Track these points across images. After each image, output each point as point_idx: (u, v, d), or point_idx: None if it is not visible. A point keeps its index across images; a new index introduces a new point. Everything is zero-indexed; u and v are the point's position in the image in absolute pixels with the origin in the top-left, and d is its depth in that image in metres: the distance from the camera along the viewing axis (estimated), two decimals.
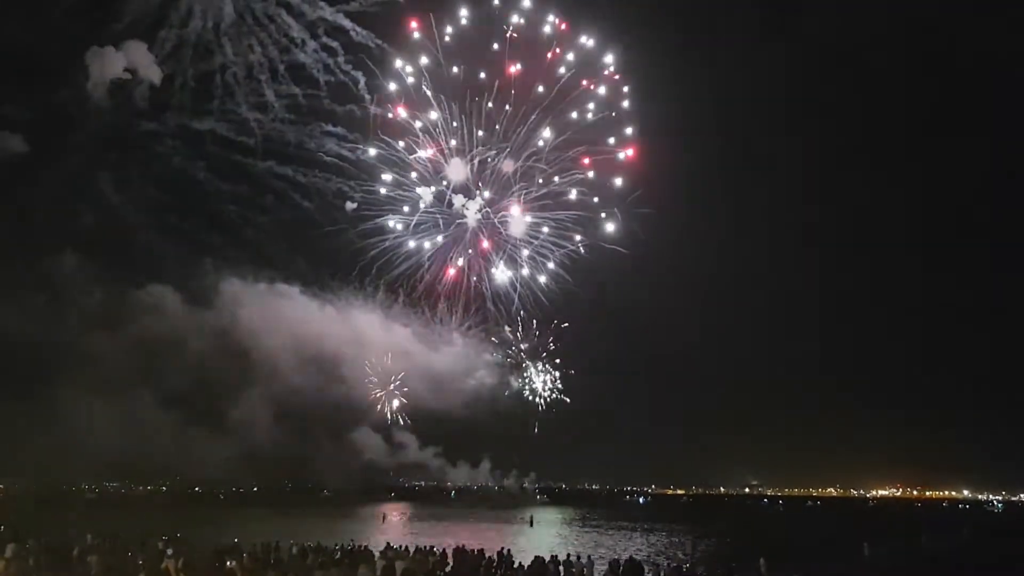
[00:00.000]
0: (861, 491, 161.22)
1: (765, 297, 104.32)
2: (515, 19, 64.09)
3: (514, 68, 64.68)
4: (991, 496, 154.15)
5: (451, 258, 68.59)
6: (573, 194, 66.86)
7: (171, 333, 67.48)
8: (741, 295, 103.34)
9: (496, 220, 68.37)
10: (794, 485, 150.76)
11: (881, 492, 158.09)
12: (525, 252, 68.32)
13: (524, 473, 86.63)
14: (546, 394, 73.25)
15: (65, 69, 64.97)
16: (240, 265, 69.58)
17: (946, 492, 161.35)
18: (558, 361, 73.37)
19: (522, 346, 72.51)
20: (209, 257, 69.94)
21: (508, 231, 68.31)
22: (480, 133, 66.17)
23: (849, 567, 36.38)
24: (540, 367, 73.30)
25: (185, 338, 67.58)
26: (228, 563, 19.59)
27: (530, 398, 73.14)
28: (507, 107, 65.30)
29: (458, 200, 67.75)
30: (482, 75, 64.63)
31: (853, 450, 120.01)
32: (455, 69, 64.17)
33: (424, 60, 63.78)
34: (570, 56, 65.07)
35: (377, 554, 23.18)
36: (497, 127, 65.97)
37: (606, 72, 65.70)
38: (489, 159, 67.21)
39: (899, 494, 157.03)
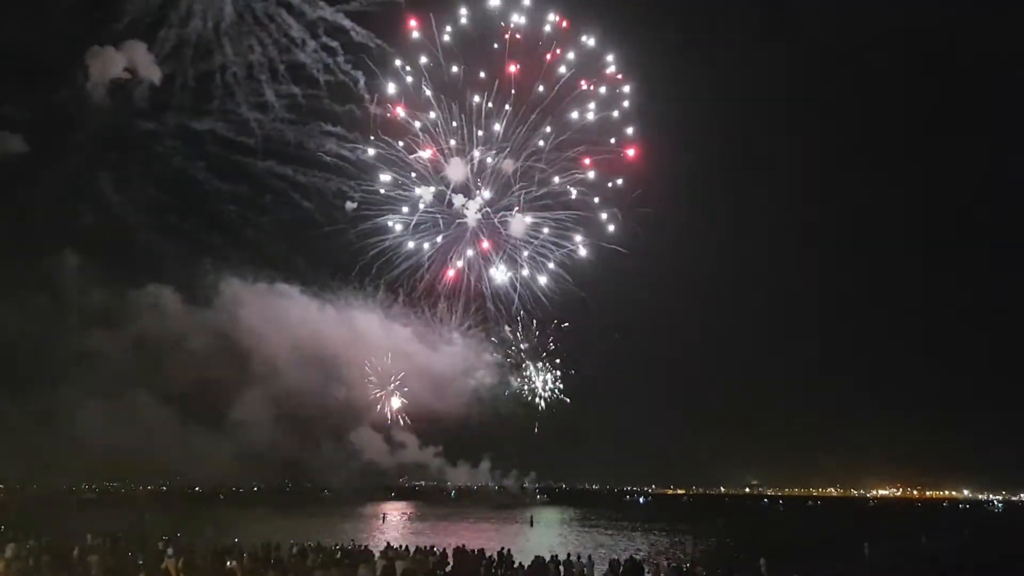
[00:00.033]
0: (861, 491, 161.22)
1: (765, 297, 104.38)
2: (515, 18, 64.25)
3: (514, 68, 64.86)
4: (991, 496, 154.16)
5: (451, 258, 68.72)
6: (573, 194, 67.12)
7: (171, 333, 67.66)
8: (741, 295, 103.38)
9: (496, 220, 68.48)
10: (794, 485, 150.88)
11: (881, 492, 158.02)
12: (525, 252, 68.52)
13: (524, 473, 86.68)
14: (546, 394, 73.38)
15: (65, 69, 65.12)
16: (240, 265, 69.68)
17: (946, 492, 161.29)
18: (558, 361, 73.54)
19: (522, 346, 72.60)
20: (209, 257, 70.06)
21: (508, 231, 68.44)
22: (480, 133, 66.30)
23: (849, 567, 36.36)
24: (540, 367, 73.40)
25: (185, 338, 67.73)
26: (228, 563, 19.63)
27: (530, 398, 73.29)
28: (507, 107, 65.44)
29: (458, 200, 67.89)
30: (482, 74, 64.84)
31: (853, 450, 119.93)
32: (455, 69, 64.36)
33: (424, 60, 63.96)
34: (571, 55, 65.26)
35: (377, 554, 23.20)
36: (497, 127, 66.10)
37: (607, 71, 65.86)
38: (489, 159, 67.32)
39: (899, 494, 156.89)
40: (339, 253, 69.46)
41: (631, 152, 65.75)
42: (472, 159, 67.11)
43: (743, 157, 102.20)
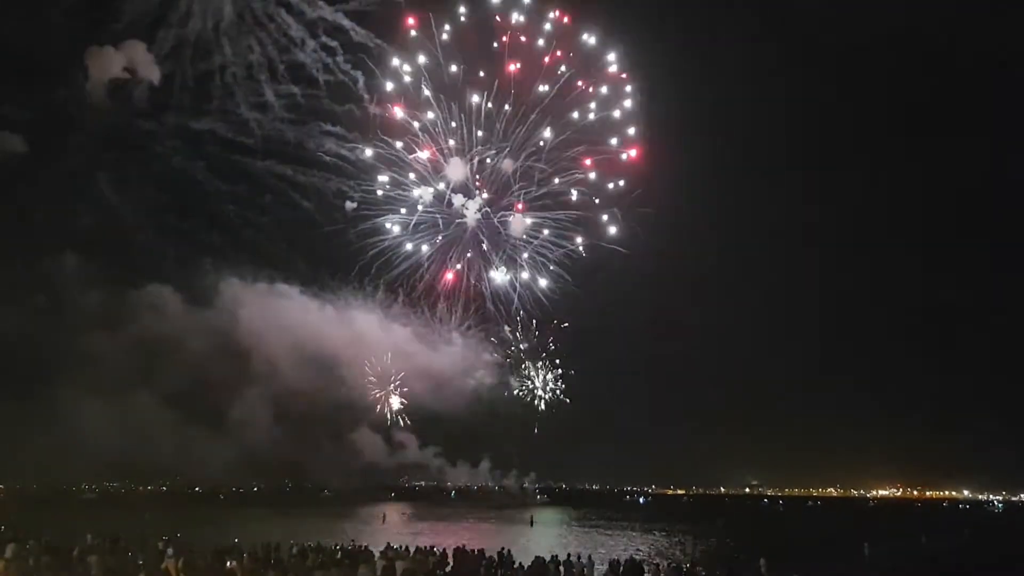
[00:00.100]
0: (861, 491, 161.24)
1: (765, 297, 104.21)
2: (515, 17, 64.20)
3: (513, 67, 64.82)
4: (991, 496, 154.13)
5: (450, 258, 68.72)
6: (573, 194, 67.09)
7: (171, 333, 67.67)
8: (741, 295, 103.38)
9: (496, 220, 68.47)
10: (794, 485, 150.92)
11: (881, 492, 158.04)
12: (525, 252, 68.51)
13: (524, 473, 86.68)
14: (547, 395, 73.37)
15: (64, 69, 65.21)
16: (240, 265, 69.73)
17: (946, 492, 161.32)
18: (558, 361, 73.54)
19: (522, 346, 72.60)
20: (209, 257, 70.11)
21: (508, 231, 68.42)
22: (479, 133, 66.28)
23: (849, 567, 36.36)
24: (540, 367, 73.39)
25: (185, 338, 67.76)
26: (228, 563, 19.62)
27: (530, 398, 73.29)
28: (507, 107, 65.41)
29: (457, 200, 67.87)
30: (481, 74, 64.81)
31: (853, 450, 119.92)
32: (454, 68, 64.33)
33: (423, 59, 63.92)
34: (571, 55, 65.23)
35: (377, 554, 23.19)
36: (497, 127, 66.09)
37: (609, 70, 65.81)
38: (488, 159, 67.31)
39: (899, 494, 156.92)
40: (339, 253, 69.55)
41: (632, 153, 65.81)
42: (472, 159, 67.17)
43: (743, 157, 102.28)
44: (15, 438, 62.88)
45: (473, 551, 24.45)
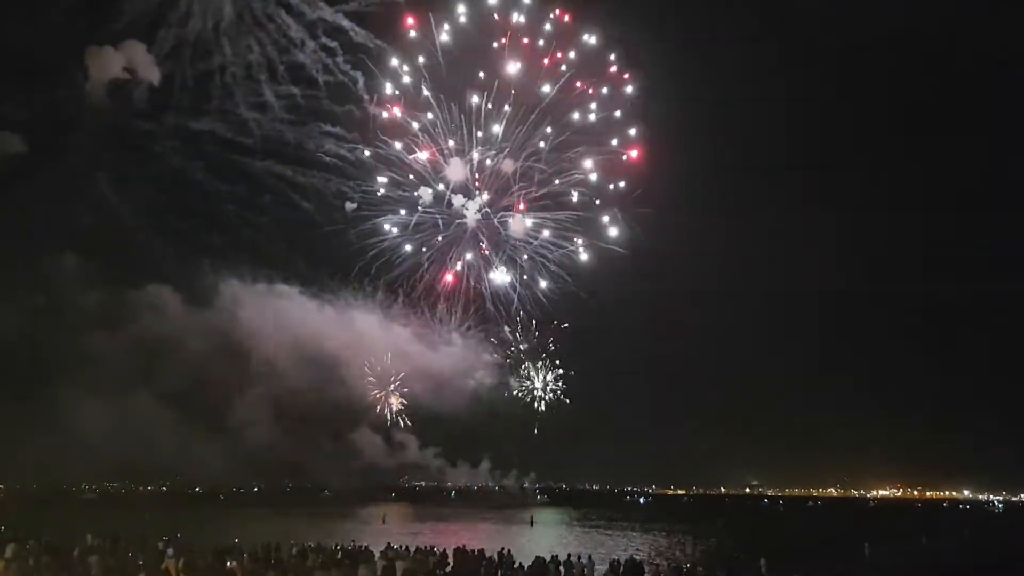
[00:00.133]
0: (861, 491, 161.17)
1: (765, 297, 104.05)
2: (515, 17, 64.17)
3: (513, 68, 64.79)
4: (991, 496, 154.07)
5: (450, 259, 68.73)
6: (574, 195, 67.09)
7: (170, 333, 67.66)
8: (741, 295, 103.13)
9: (496, 220, 68.48)
10: (794, 485, 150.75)
11: (882, 492, 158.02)
12: (525, 252, 68.53)
13: (524, 473, 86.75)
14: (547, 395, 73.40)
15: (64, 69, 65.18)
16: (239, 265, 69.71)
17: (946, 492, 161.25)
18: (558, 361, 73.58)
19: (522, 346, 72.62)
20: (208, 257, 70.10)
21: (508, 231, 68.43)
22: (479, 134, 66.27)
23: (849, 567, 36.31)
24: (540, 367, 73.42)
25: (184, 338, 67.75)
26: (229, 564, 19.64)
27: (529, 399, 73.32)
28: (506, 107, 65.39)
29: (457, 200, 67.87)
30: (481, 74, 64.78)
31: (853, 450, 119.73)
32: (453, 68, 64.28)
33: (422, 59, 63.88)
34: (572, 54, 65.21)
35: (377, 554, 23.20)
36: (497, 127, 66.07)
37: (611, 70, 65.80)
38: (488, 160, 67.31)
39: (900, 494, 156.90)
40: (338, 253, 69.56)
41: (634, 154, 65.80)
42: (471, 159, 67.18)
43: (743, 157, 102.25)
44: (15, 438, 62.92)
45: (473, 551, 24.46)
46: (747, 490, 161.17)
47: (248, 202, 69.60)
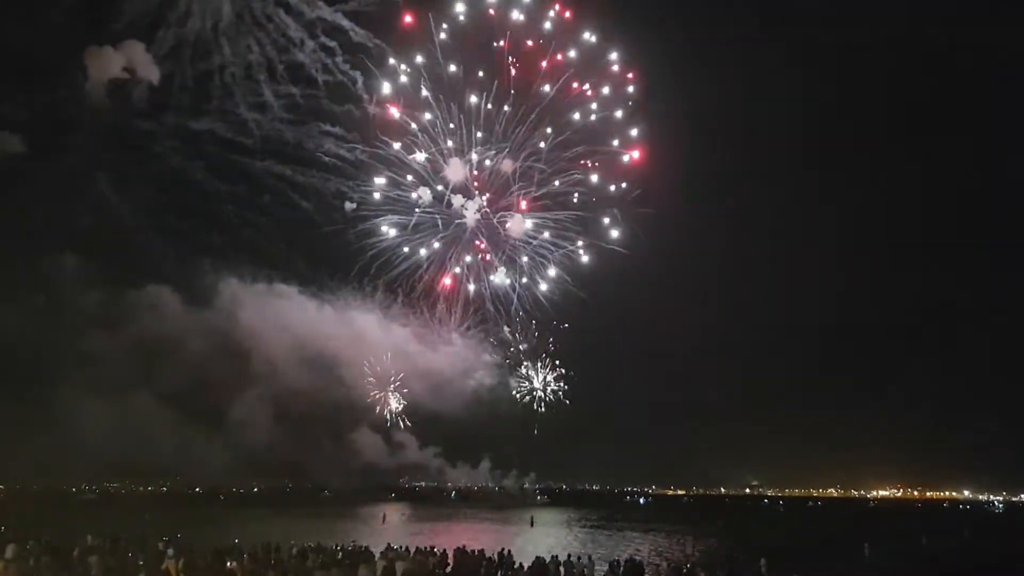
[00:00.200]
0: (861, 491, 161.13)
1: (765, 297, 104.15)
2: (515, 15, 64.14)
3: (513, 68, 64.80)
4: (991, 497, 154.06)
5: (450, 259, 68.72)
6: (575, 195, 67.09)
7: (170, 333, 67.78)
8: (741, 295, 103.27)
9: (495, 220, 68.47)
10: (794, 485, 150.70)
11: (882, 493, 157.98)
12: (524, 256, 68.51)
13: (524, 473, 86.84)
14: (547, 396, 73.41)
15: (63, 69, 65.18)
16: (239, 265, 69.84)
17: (946, 492, 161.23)
18: (557, 361, 73.58)
19: (521, 347, 72.63)
20: (208, 257, 70.22)
21: (508, 231, 68.42)
22: (479, 134, 66.26)
23: (849, 568, 36.33)
24: (540, 367, 73.42)
25: (184, 338, 67.88)
26: (228, 564, 19.61)
27: (529, 399, 73.33)
28: (506, 107, 65.37)
29: (457, 200, 67.86)
30: (480, 74, 64.78)
31: (853, 450, 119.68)
32: (453, 68, 64.28)
33: (421, 59, 63.87)
34: (572, 54, 65.20)
35: (377, 554, 23.19)
36: (496, 127, 66.07)
37: (613, 68, 65.79)
38: (488, 160, 67.30)
39: (900, 495, 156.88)
40: (338, 253, 69.67)
41: (635, 154, 65.80)
42: (471, 159, 67.16)
43: (742, 157, 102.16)
44: (15, 438, 62.93)
45: (473, 551, 24.46)
46: (747, 490, 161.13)
47: (248, 202, 69.75)
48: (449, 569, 22.15)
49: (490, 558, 23.13)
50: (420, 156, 65.75)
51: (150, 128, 67.14)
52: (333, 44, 63.55)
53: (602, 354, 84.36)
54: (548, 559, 22.59)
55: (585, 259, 67.18)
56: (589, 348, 77.65)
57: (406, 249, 67.08)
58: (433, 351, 71.07)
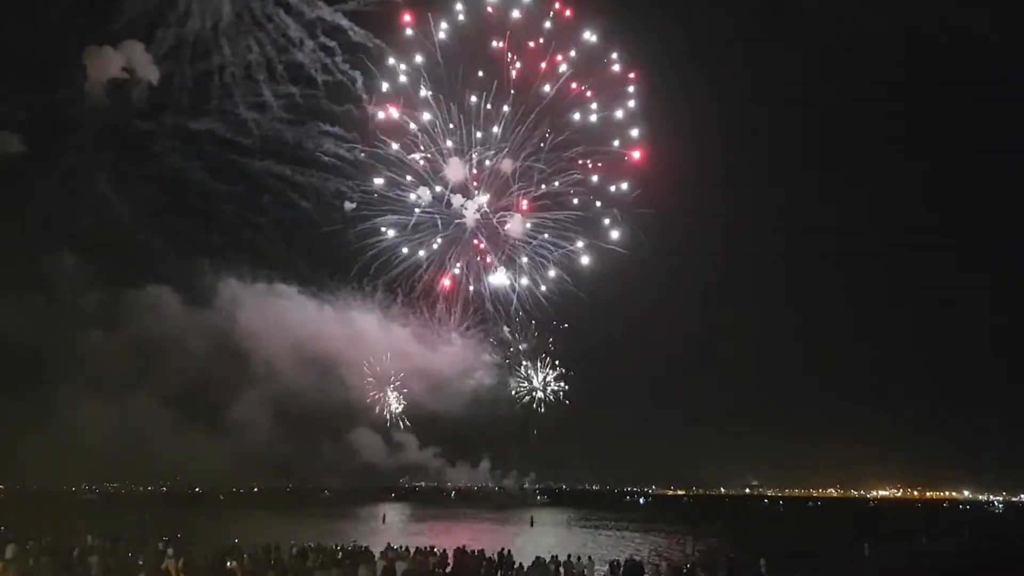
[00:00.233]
0: (861, 492, 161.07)
1: (766, 297, 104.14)
2: (515, 15, 64.13)
3: (513, 67, 64.79)
4: (992, 497, 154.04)
5: (449, 259, 68.72)
6: (575, 197, 67.10)
7: (169, 333, 67.86)
8: (742, 295, 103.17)
9: (495, 220, 68.47)
10: (794, 485, 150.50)
11: (881, 493, 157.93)
12: (524, 252, 68.52)
13: (524, 473, 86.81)
14: (547, 395, 73.40)
15: (63, 69, 65.24)
16: (238, 265, 69.91)
17: (946, 493, 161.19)
18: (557, 362, 73.59)
19: (521, 347, 72.62)
20: (207, 257, 70.31)
21: (507, 231, 68.43)
22: (478, 134, 66.26)
23: (849, 568, 36.31)
24: (539, 367, 73.42)
25: (183, 338, 67.94)
26: (228, 564, 19.63)
27: (529, 399, 73.33)
28: (506, 107, 65.37)
29: (456, 200, 67.87)
30: (480, 73, 64.78)
31: (853, 450, 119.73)
32: (452, 68, 64.29)
33: (420, 59, 63.90)
34: (572, 53, 65.20)
35: (377, 555, 23.20)
36: (496, 127, 66.07)
37: (614, 68, 65.76)
38: (487, 160, 67.30)
39: (900, 495, 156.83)
40: (337, 253, 69.74)
41: (636, 155, 65.78)
42: (471, 159, 67.16)
43: (743, 157, 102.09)
44: (15, 438, 62.87)
45: (473, 551, 24.48)
46: (747, 490, 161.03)
47: (247, 202, 69.85)
48: (449, 569, 22.16)
49: (490, 558, 23.15)
50: (420, 155, 65.84)
51: (149, 128, 67.35)
52: (333, 44, 63.75)
53: (602, 354, 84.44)
54: (548, 559, 22.59)
55: (585, 259, 67.23)
56: (589, 348, 77.80)
57: (406, 249, 67.19)
58: (433, 351, 71.19)
